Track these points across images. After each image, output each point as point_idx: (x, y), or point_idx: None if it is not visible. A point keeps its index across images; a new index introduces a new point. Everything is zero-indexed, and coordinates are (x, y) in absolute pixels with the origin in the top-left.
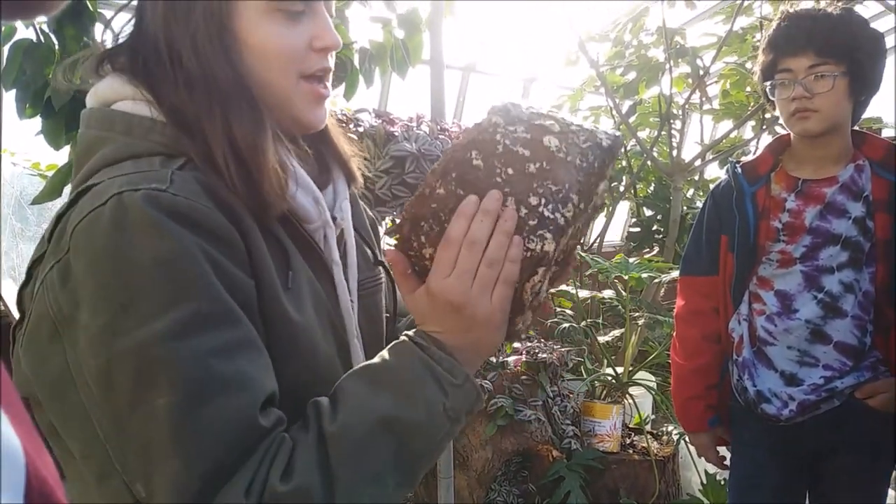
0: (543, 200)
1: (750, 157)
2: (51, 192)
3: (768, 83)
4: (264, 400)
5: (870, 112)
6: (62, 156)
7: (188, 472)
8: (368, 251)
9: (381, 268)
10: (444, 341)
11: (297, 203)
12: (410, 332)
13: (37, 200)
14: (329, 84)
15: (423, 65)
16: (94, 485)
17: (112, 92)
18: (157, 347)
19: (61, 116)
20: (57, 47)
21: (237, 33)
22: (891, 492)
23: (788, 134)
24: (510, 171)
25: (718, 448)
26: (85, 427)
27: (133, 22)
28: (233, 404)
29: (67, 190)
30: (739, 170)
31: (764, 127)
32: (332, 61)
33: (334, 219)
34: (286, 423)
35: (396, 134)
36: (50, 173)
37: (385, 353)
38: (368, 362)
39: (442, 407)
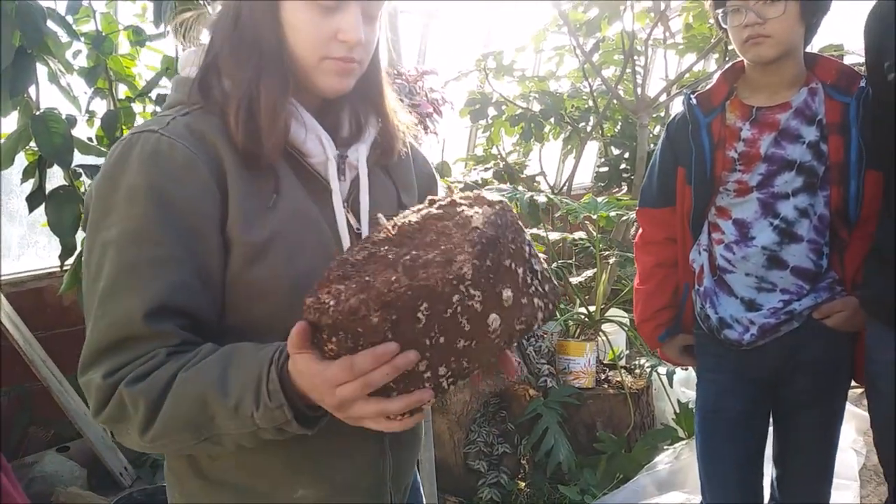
0: (449, 373)
1: (705, 88)
2: (2, 160)
3: (720, 11)
4: (154, 309)
5: (828, 38)
6: (10, 122)
7: (90, 344)
8: (399, 197)
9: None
10: (294, 378)
11: (303, 142)
12: (281, 352)
13: None
14: (353, 65)
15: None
16: None
17: (185, 60)
18: (108, 246)
19: (5, 80)
20: None
21: (283, 11)
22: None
23: (742, 61)
24: (442, 340)
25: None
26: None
27: None
28: (129, 304)
29: (20, 158)
30: (694, 101)
31: (727, 59)
32: (359, 52)
33: (344, 158)
34: (179, 336)
35: None
36: (0, 141)
37: (261, 348)
38: (251, 345)
39: (250, 413)
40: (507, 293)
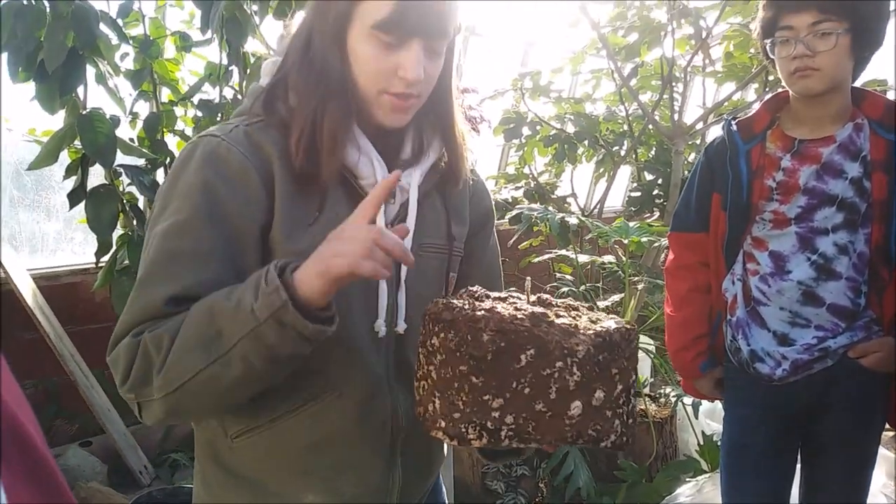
0: (513, 426)
1: (746, 114)
2: (46, 157)
3: (769, 41)
4: (174, 296)
5: (873, 73)
6: (57, 120)
7: (120, 324)
8: (449, 226)
9: (454, 243)
10: (286, 265)
11: (356, 164)
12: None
13: (33, 166)
14: (411, 101)
15: None
16: None
17: (264, 71)
18: (155, 238)
19: (55, 80)
20: (48, 9)
21: (349, 41)
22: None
23: (786, 91)
24: (527, 391)
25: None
26: None
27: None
28: (160, 290)
29: (64, 155)
30: (734, 127)
31: (767, 89)
32: (417, 89)
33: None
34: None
35: None
36: (46, 139)
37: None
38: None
39: (250, 307)
40: (600, 394)
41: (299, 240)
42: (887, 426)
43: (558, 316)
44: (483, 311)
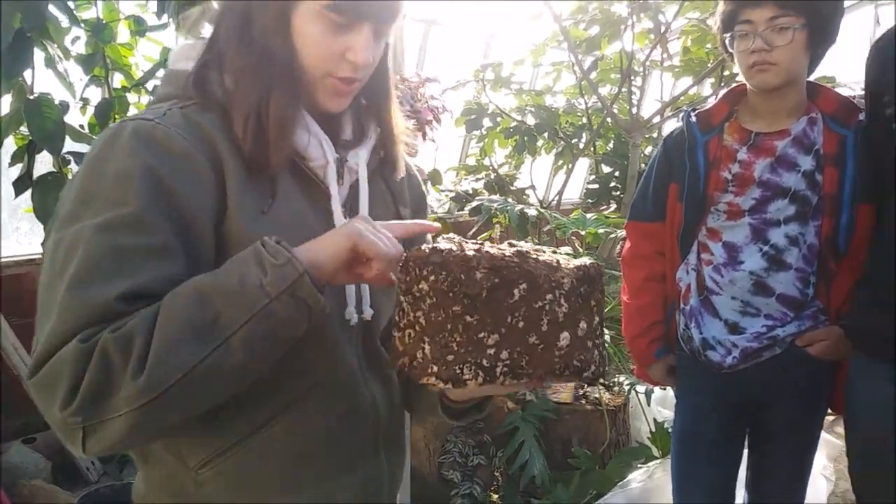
0: (508, 362)
1: (705, 106)
2: None
3: (728, 35)
4: (128, 292)
5: (822, 70)
6: (3, 105)
7: (56, 329)
8: (396, 207)
9: None
10: (278, 241)
11: (306, 147)
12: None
13: None
14: (354, 86)
15: None
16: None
17: (177, 54)
18: (85, 233)
19: (3, 63)
20: None
21: (294, 20)
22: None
23: (744, 84)
24: (521, 325)
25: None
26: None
27: None
28: (101, 291)
29: (9, 141)
30: (693, 118)
31: (722, 84)
32: (362, 73)
33: (343, 162)
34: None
35: None
36: None
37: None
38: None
39: (259, 282)
40: (584, 325)
41: (257, 227)
42: (829, 411)
43: (537, 254)
44: (472, 251)
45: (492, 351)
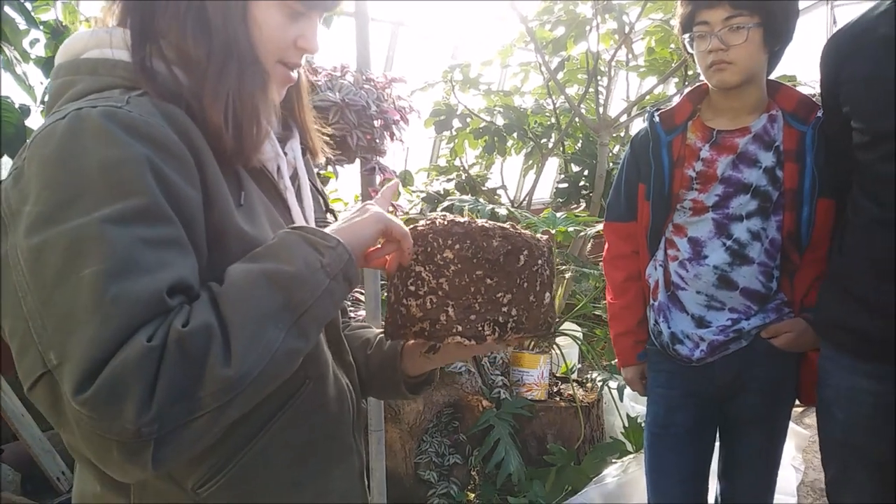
0: (514, 318)
1: (668, 106)
2: None
3: (687, 36)
4: (174, 284)
5: (782, 69)
6: None
7: (102, 334)
8: (321, 199)
9: (330, 214)
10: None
11: None
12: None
13: None
14: (296, 73)
15: (349, 17)
16: (16, 360)
17: (82, 44)
18: (93, 228)
19: None
20: None
21: (249, 6)
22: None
23: (706, 83)
24: (525, 285)
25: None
26: (15, 307)
27: None
28: (148, 284)
29: None
30: (657, 118)
31: (686, 83)
32: (306, 60)
33: (285, 155)
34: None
35: (320, 84)
36: None
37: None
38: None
39: (319, 263)
40: (553, 287)
41: (241, 219)
42: (797, 402)
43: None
44: (485, 223)
45: (505, 308)
